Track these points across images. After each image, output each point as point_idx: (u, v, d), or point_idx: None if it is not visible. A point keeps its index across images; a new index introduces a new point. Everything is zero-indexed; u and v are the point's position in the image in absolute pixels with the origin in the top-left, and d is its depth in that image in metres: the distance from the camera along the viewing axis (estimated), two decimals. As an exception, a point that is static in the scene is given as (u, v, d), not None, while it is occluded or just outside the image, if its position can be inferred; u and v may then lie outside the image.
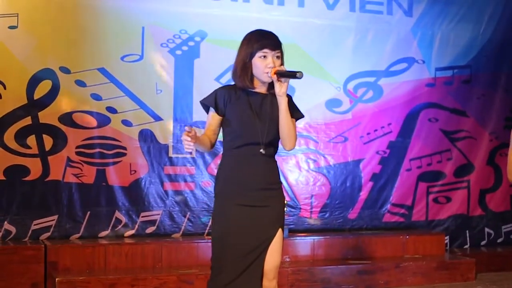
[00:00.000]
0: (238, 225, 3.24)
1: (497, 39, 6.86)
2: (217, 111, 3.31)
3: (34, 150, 5.47)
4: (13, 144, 5.40)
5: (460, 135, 6.81)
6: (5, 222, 5.37)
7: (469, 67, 6.81)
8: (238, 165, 3.28)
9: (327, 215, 6.35)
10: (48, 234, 5.49)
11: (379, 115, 6.54)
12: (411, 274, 5.81)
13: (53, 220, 5.51)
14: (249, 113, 3.26)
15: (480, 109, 6.87)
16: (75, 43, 5.57)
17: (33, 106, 5.46)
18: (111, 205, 5.67)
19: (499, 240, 6.98)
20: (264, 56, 3.23)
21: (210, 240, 3.41)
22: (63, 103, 5.55)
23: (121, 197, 5.70)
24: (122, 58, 5.71)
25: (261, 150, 3.26)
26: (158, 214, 5.81)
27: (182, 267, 5.39)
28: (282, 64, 3.27)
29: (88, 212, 5.61)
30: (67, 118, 5.55)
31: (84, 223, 5.60)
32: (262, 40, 3.24)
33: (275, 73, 3.19)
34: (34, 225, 5.45)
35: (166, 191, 5.83)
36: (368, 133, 6.51)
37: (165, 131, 5.84)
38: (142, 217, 5.77)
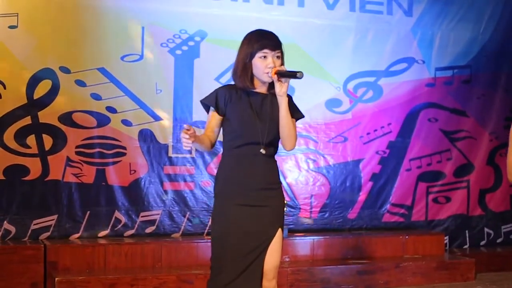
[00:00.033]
0: (238, 225, 3.23)
1: (497, 39, 6.85)
2: (217, 110, 3.30)
3: (34, 149, 5.46)
4: (12, 144, 5.40)
5: (460, 135, 6.80)
6: (5, 222, 5.37)
7: (469, 67, 6.81)
8: (238, 165, 3.27)
9: (327, 215, 6.35)
10: (48, 234, 5.48)
11: (379, 115, 6.54)
12: (411, 274, 5.81)
13: (53, 220, 5.51)
14: (250, 113, 3.26)
15: (480, 109, 6.87)
16: (75, 43, 5.56)
17: (33, 105, 5.46)
18: (110, 205, 5.67)
19: (499, 240, 6.97)
20: (264, 56, 3.22)
21: (209, 240, 3.41)
22: (63, 103, 5.54)
23: (121, 197, 5.70)
24: (122, 58, 5.71)
25: (261, 150, 3.26)
26: (158, 214, 5.81)
27: (181, 267, 5.39)
28: (282, 64, 3.26)
29: (88, 212, 5.61)
30: (67, 118, 5.55)
31: (84, 223, 5.60)
32: (262, 40, 3.23)
33: (275, 73, 3.18)
34: (34, 224, 5.45)
35: (165, 191, 5.83)
36: (368, 133, 6.51)
37: (165, 131, 5.84)
38: (142, 217, 5.77)
